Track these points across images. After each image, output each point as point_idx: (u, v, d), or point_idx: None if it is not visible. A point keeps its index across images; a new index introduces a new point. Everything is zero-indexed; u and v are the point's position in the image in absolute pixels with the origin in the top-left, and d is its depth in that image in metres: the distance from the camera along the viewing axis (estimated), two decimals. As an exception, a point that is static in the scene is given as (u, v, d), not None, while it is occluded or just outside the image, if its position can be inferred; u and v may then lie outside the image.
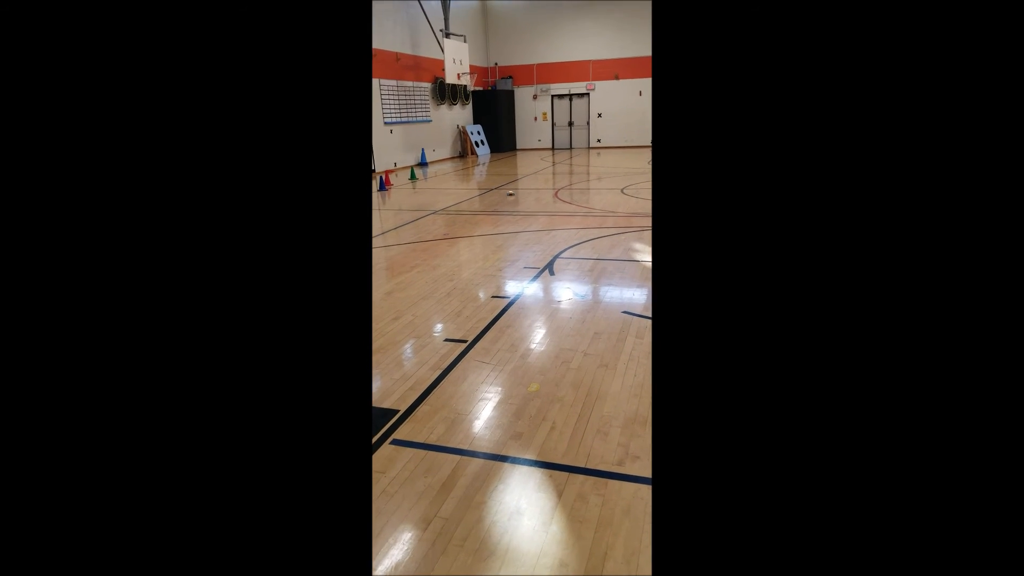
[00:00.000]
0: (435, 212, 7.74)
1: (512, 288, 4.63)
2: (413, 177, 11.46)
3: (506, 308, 4.14)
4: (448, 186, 10.82)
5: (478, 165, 15.50)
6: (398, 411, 2.59)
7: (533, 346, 3.47)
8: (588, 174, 11.03)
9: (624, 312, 3.58)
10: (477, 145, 18.00)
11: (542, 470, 2.18)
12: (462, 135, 17.87)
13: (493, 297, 4.38)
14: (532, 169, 13.64)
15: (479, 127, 18.76)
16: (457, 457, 2.29)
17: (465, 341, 3.54)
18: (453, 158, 17.27)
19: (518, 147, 19.84)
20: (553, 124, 19.80)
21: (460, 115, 17.98)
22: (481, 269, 5.09)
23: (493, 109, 18.60)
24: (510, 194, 9.78)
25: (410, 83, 14.09)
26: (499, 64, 18.79)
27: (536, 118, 19.73)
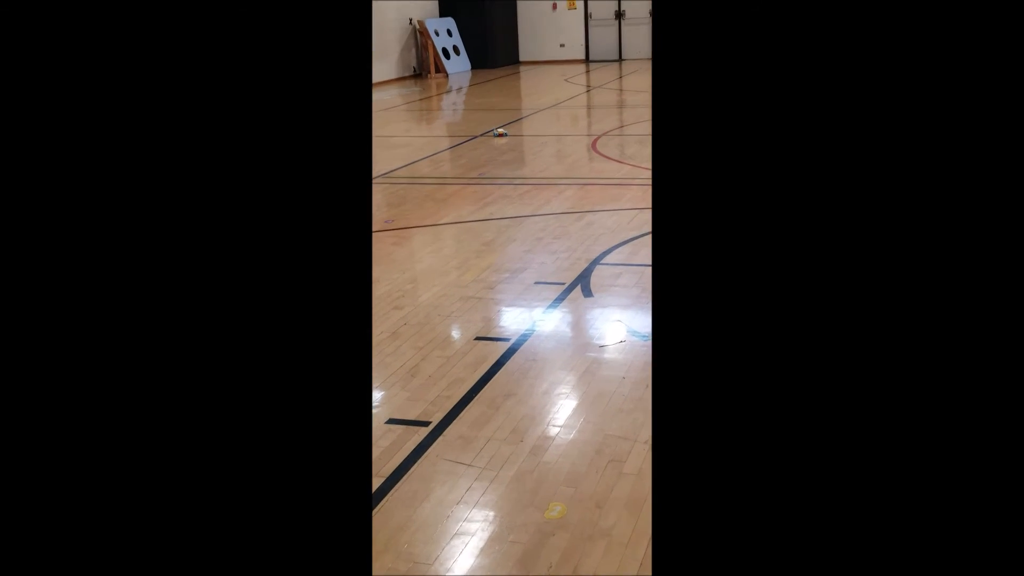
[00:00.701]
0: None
1: (512, 322, 3.76)
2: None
3: (502, 361, 3.30)
4: (392, 132, 9.24)
5: (448, 92, 13.13)
6: None
7: (554, 431, 2.71)
8: (650, 107, 9.31)
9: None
10: (446, 56, 14.73)
11: None
12: (419, 38, 14.70)
13: (477, 339, 3.57)
14: (548, 98, 11.14)
15: (450, 23, 14.63)
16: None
17: (426, 423, 2.82)
18: (403, 79, 14.44)
19: (522, 59, 15.54)
20: (587, 16, 14.21)
21: (417, 3, 14.40)
22: (455, 286, 4.24)
23: (477, -9, 15.07)
24: (499, 134, 8.31)
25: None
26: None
27: (555, 5, 14.44)
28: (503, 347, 3.41)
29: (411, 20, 14.86)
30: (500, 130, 8.86)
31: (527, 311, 3.83)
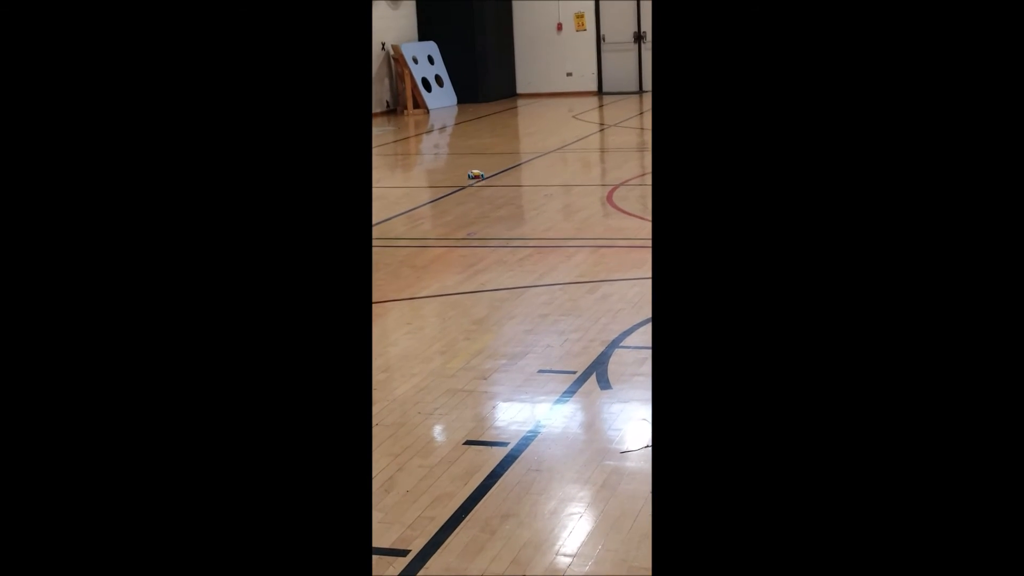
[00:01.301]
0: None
1: (511, 422, 3.64)
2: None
3: (498, 472, 3.16)
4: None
5: (429, 131, 13.18)
6: None
7: (564, 563, 2.55)
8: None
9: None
10: (426, 88, 14.85)
11: None
12: (394, 67, 14.73)
13: (467, 444, 3.42)
14: (553, 140, 11.06)
15: (432, 48, 14.73)
16: None
17: (404, 552, 2.66)
18: (375, 115, 14.45)
19: (520, 90, 15.53)
20: (600, 40, 13.81)
21: (391, 24, 14.43)
22: (439, 376, 4.13)
23: (464, 11, 14.60)
24: (474, 175, 8.29)
25: None
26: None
27: (561, 25, 14.10)
28: (500, 454, 3.30)
29: (384, 45, 14.70)
30: (476, 171, 8.76)
31: (529, 407, 3.72)
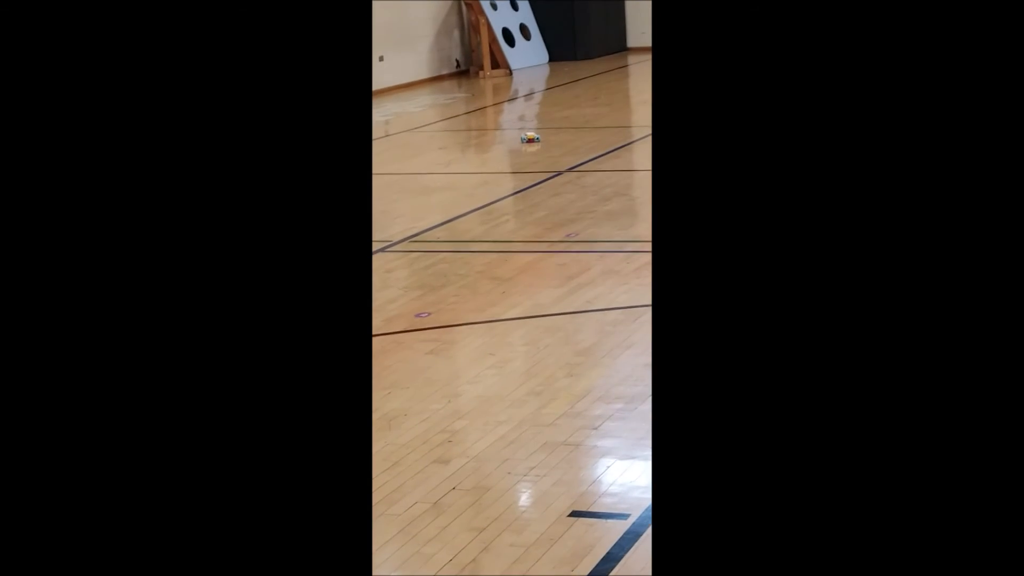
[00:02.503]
0: (386, 245, 6.75)
1: (632, 484, 3.65)
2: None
3: (616, 553, 3.17)
4: (423, 166, 9.34)
5: (513, 99, 13.52)
6: None
7: None
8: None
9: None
10: (509, 42, 15.34)
11: None
12: (466, 14, 15.36)
13: (574, 516, 3.43)
14: None
15: None
16: None
17: None
18: (439, 78, 14.92)
19: (632, 44, 16.50)
20: None
21: None
22: (532, 425, 4.16)
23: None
24: (528, 139, 8.78)
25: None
26: None
27: None
28: (617, 528, 3.32)
29: (452, -7, 15.41)
30: (530, 134, 9.14)
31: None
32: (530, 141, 9.38)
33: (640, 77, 14.13)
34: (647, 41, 16.32)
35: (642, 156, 9.06)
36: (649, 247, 6.15)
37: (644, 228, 6.65)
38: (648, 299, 5.32)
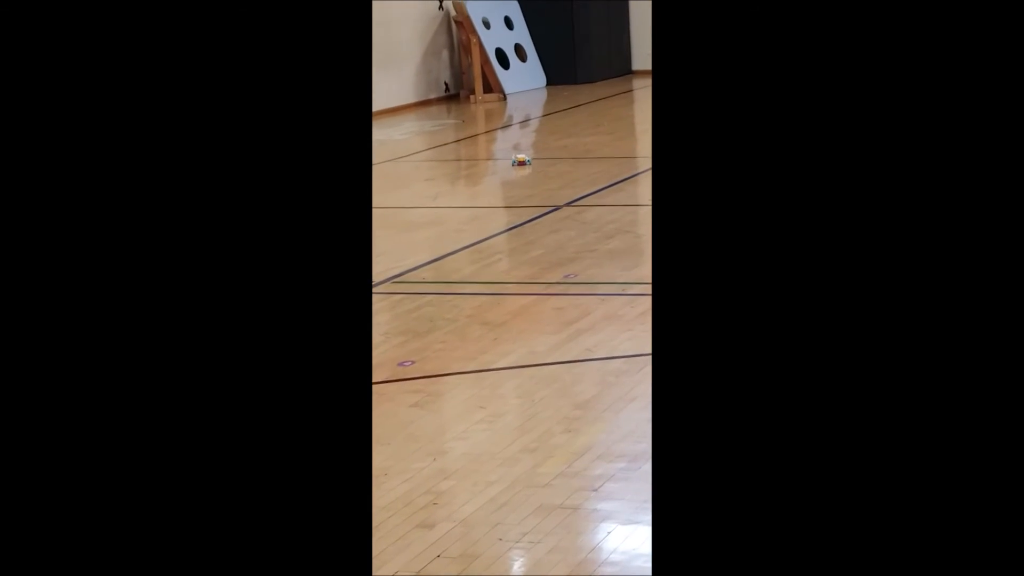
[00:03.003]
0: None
1: (635, 551, 3.67)
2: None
3: None
4: (409, 199, 9.39)
5: (508, 126, 13.58)
6: None
7: None
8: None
9: None
10: (502, 63, 15.42)
11: None
12: (456, 33, 15.48)
13: None
14: None
15: (512, 8, 15.70)
16: None
17: None
18: (426, 103, 15.00)
19: (637, 67, 16.70)
20: None
21: None
22: (526, 486, 4.15)
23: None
24: (519, 162, 9.08)
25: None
26: None
27: None
28: None
29: (441, 2, 15.11)
30: (521, 156, 9.25)
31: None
32: (520, 164, 9.45)
33: (646, 103, 14.16)
34: (655, 63, 16.38)
35: (648, 190, 9.07)
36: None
37: (650, 269, 6.68)
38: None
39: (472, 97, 14.92)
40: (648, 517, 3.74)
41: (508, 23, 15.48)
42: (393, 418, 4.73)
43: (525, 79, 15.48)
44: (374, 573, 3.52)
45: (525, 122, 13.59)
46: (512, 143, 12.44)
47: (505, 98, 14.93)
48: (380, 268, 7.03)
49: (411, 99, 14.66)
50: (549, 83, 15.70)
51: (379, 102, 13.73)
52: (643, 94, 14.76)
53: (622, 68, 16.42)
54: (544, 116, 13.94)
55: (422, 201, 9.27)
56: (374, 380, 5.18)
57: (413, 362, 5.39)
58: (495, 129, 13.27)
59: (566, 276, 6.67)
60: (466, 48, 15.04)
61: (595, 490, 3.98)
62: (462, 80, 15.29)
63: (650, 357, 5.18)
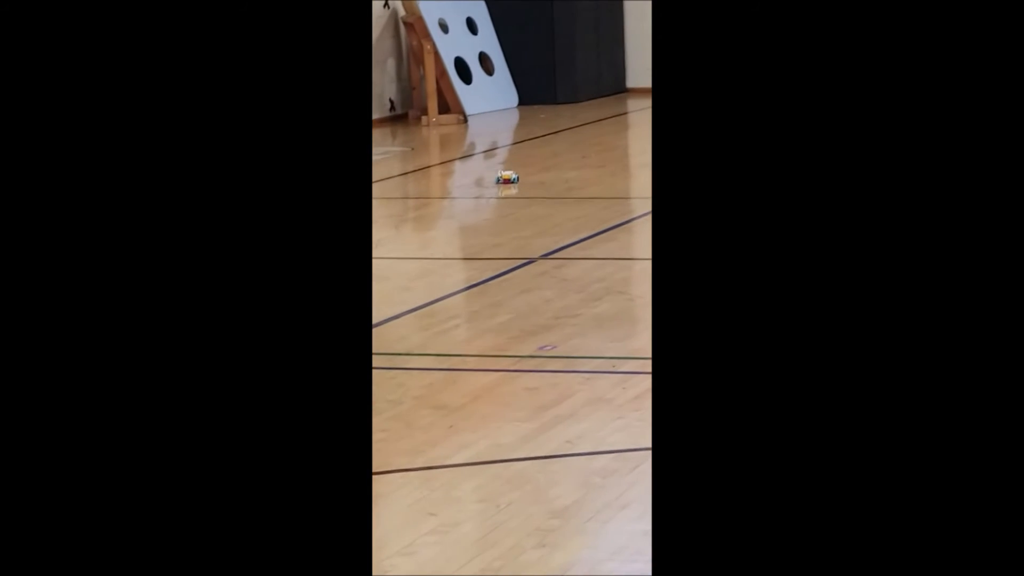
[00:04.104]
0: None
1: None
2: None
3: None
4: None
5: (469, 156, 13.73)
6: None
7: None
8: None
9: None
10: (463, 77, 15.50)
11: None
12: (406, 38, 15.51)
13: None
14: None
15: (479, 8, 15.82)
16: None
17: None
18: (375, 123, 14.91)
19: (633, 84, 16.87)
20: None
21: None
22: None
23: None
24: (503, 180, 9.44)
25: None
26: None
27: None
28: None
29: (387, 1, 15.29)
30: (506, 174, 9.54)
31: None
32: (506, 182, 9.64)
33: (644, 128, 14.14)
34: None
35: (646, 239, 9.06)
36: (650, 365, 6.07)
37: (646, 340, 6.56)
38: (648, 438, 5.28)
39: (424, 118, 14.89)
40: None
41: (471, 26, 15.51)
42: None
43: (491, 97, 15.49)
44: None
45: (491, 151, 13.57)
46: (474, 178, 12.44)
47: (466, 120, 14.94)
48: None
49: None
50: (522, 102, 15.74)
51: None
52: (641, 117, 14.75)
53: (614, 85, 16.44)
54: (515, 144, 13.93)
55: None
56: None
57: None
58: (452, 160, 13.26)
59: (541, 348, 6.66)
60: (417, 57, 15.03)
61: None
62: (411, 97, 15.28)
63: (645, 453, 5.18)
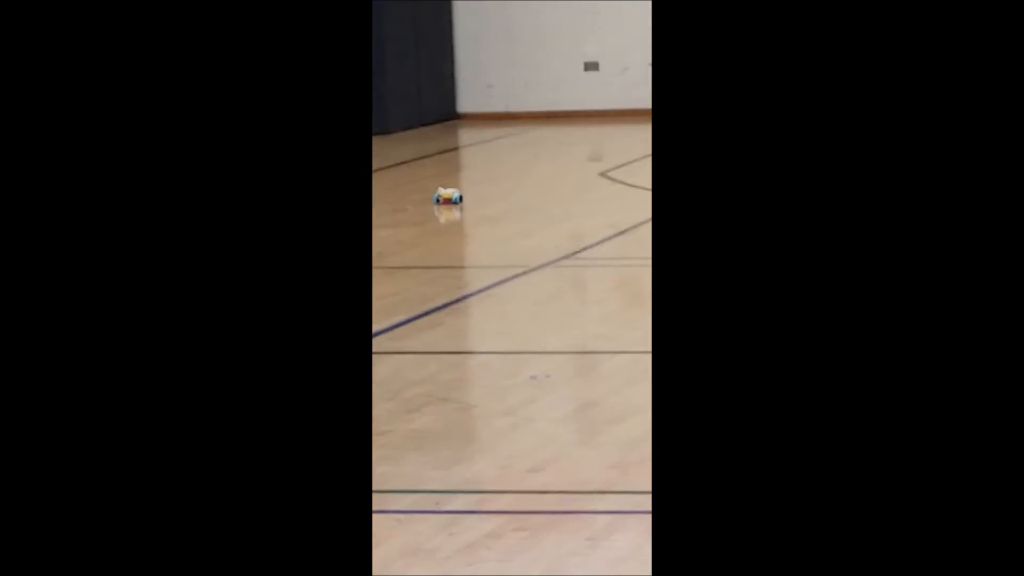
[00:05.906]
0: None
1: None
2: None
3: None
4: None
5: None
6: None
7: None
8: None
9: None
10: None
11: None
12: None
13: None
14: (547, 232, 12.45)
15: None
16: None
17: None
18: None
19: (465, 109, 17.79)
20: None
21: None
22: None
23: None
24: (441, 199, 11.34)
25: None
26: None
27: None
28: None
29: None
30: (447, 192, 10.55)
31: None
32: (446, 202, 10.27)
33: (482, 169, 14.17)
34: (491, 104, 16.44)
35: (482, 323, 9.02)
36: (494, 503, 6.06)
37: (484, 466, 6.44)
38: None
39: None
40: None
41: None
42: None
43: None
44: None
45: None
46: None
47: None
48: None
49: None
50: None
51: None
52: (477, 154, 14.76)
53: (441, 111, 16.45)
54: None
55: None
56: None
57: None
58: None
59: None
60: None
61: None
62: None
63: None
